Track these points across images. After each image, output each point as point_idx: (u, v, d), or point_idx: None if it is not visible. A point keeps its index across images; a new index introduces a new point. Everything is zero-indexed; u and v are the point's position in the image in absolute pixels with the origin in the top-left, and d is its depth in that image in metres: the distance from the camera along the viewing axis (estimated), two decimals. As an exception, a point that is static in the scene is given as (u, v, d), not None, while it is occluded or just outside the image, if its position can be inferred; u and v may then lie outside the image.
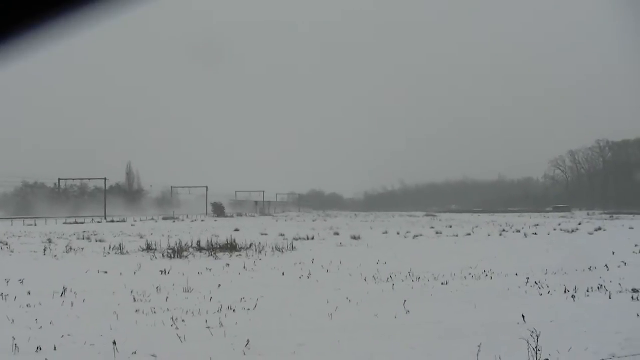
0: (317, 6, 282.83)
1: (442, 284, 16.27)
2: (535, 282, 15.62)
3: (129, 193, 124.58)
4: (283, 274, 18.79)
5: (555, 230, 47.12)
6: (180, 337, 9.22)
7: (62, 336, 9.34)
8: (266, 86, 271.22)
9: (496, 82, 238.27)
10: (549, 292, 14.16)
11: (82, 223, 66.75)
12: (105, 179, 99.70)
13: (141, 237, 37.12)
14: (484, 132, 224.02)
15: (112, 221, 74.04)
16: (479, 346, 7.70)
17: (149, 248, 27.19)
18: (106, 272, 18.90)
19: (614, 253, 23.26)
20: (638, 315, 10.73)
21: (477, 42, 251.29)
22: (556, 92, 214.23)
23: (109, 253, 25.99)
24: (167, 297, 13.61)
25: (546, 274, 17.96)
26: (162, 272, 18.69)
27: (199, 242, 28.52)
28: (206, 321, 10.58)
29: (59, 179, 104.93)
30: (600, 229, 47.36)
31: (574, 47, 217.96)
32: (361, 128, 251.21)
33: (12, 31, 2.68)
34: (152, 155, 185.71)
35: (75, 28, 2.79)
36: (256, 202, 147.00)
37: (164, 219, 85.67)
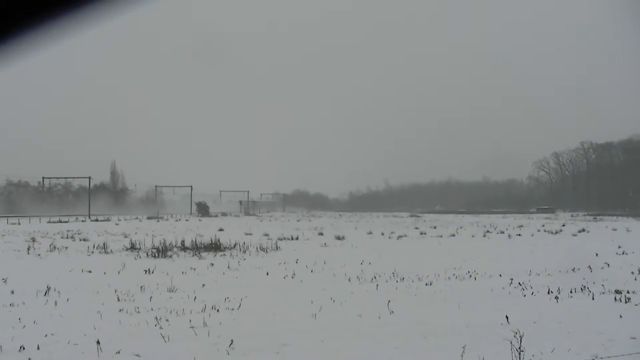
0: (299, 6, 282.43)
1: (426, 284, 16.30)
2: (519, 283, 15.70)
3: (113, 192, 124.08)
4: (267, 273, 18.79)
5: (539, 231, 47.31)
6: (164, 337, 9.20)
7: (46, 335, 9.30)
8: (251, 86, 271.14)
9: (481, 83, 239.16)
10: (533, 293, 14.23)
11: (66, 222, 66.29)
12: (89, 177, 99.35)
13: (125, 236, 36.98)
14: (469, 133, 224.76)
15: (96, 220, 73.66)
16: (463, 347, 7.73)
17: (133, 247, 27.10)
18: (90, 271, 18.82)
19: (597, 254, 23.39)
20: (621, 316, 10.81)
21: (462, 43, 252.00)
22: (541, 93, 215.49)
23: (92, 252, 25.88)
24: (151, 297, 13.57)
25: (530, 275, 18.04)
26: (146, 271, 18.65)
27: (183, 241, 28.46)
28: (190, 321, 10.56)
29: (43, 178, 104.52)
30: (583, 230, 47.59)
31: (559, 50, 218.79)
32: (346, 128, 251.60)
33: (11, 32, 2.72)
34: (136, 154, 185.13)
35: (67, 30, 2.82)
36: (240, 202, 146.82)
37: (149, 218, 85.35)
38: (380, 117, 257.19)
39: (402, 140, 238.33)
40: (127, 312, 11.65)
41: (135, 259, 23.35)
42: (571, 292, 14.05)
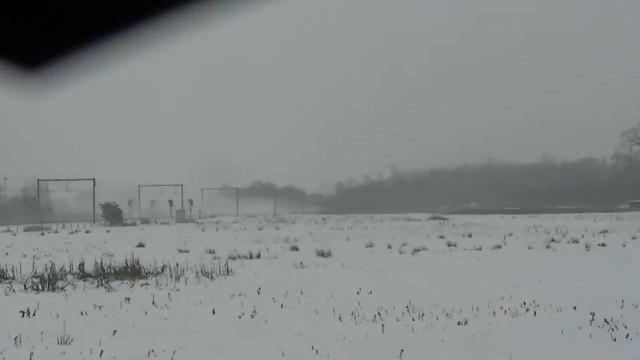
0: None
1: (458, 323, 16.29)
2: (606, 320, 15.66)
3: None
4: (213, 311, 18.69)
5: (634, 238, 47.42)
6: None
7: None
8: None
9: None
10: (628, 335, 14.20)
11: None
12: None
13: (-10, 259, 36.76)
14: (518, 99, 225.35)
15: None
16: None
17: (1, 276, 26.89)
18: None
19: None
20: None
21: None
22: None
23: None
24: (32, 353, 13.45)
25: (622, 307, 18.02)
26: (23, 313, 18.51)
27: (82, 264, 28.25)
28: (93, 389, 10.48)
29: None
30: None
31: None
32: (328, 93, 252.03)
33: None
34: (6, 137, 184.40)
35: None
36: (171, 202, 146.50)
37: (27, 229, 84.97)
38: (386, 75, 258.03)
39: (417, 112, 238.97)
40: (-7, 377, 11.55)
41: (6, 294, 23.16)
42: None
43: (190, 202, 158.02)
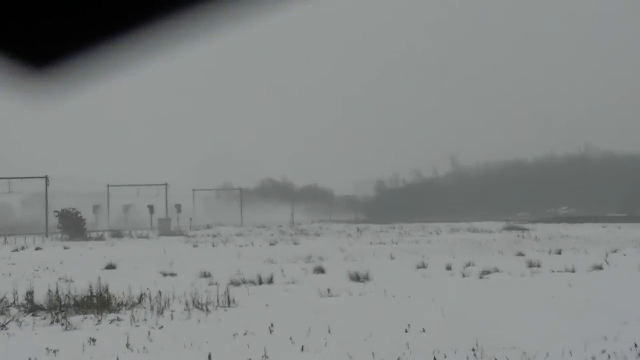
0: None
1: (544, 375, 16.18)
2: None
3: None
4: (209, 357, 18.61)
5: None
6: None
7: None
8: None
9: None
10: None
11: None
12: None
13: None
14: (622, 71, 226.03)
15: None
16: None
17: None
18: None
19: None
20: None
21: None
22: None
23: None
24: (-38, 414, 13.41)
25: None
26: (-49, 359, 18.49)
27: (30, 293, 28.18)
28: None
29: None
30: None
31: None
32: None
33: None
34: None
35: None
36: (151, 208, 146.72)
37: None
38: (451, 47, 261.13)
39: (486, 91, 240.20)
40: None
41: None
42: None
43: (178, 207, 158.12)
